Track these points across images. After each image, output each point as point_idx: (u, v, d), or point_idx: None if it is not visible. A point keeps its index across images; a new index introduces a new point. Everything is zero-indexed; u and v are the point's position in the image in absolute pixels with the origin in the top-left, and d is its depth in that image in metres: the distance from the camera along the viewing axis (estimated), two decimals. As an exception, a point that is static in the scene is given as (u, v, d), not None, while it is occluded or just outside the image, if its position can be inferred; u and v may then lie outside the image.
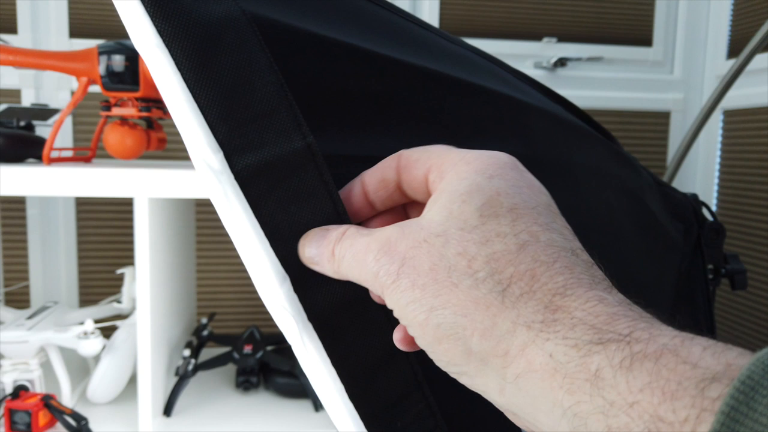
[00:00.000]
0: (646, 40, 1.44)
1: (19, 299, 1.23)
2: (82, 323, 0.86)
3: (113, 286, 1.27)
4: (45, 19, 1.24)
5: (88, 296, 1.28)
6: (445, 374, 0.23)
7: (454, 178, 0.23)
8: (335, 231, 0.25)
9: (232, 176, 0.25)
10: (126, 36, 1.19)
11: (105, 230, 1.28)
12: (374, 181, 0.27)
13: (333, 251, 0.24)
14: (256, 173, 0.25)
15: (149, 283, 0.80)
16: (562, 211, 0.24)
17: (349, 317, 0.26)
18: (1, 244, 1.16)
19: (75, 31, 1.25)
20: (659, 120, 1.46)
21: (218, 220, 1.31)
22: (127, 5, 0.23)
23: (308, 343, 0.26)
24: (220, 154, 0.24)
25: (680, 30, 1.44)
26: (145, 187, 0.78)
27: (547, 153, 0.37)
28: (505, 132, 0.35)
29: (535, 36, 1.41)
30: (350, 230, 0.25)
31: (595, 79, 1.43)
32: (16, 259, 1.24)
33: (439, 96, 0.33)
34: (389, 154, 0.27)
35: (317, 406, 0.91)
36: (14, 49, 0.76)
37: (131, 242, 1.27)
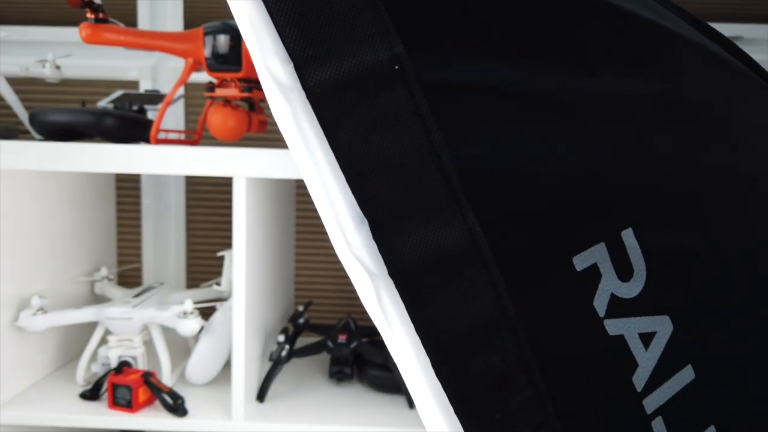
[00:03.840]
0: (795, 17, 1.27)
1: (131, 280, 1.29)
2: (182, 303, 0.87)
3: (219, 270, 1.29)
4: (162, 14, 1.29)
5: (195, 278, 1.31)
6: (563, 358, 0.17)
7: None
8: None
9: (303, 93, 0.20)
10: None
11: (212, 215, 1.31)
12: None
13: None
14: (332, 90, 0.20)
15: (245, 264, 0.80)
16: (715, 168, 0.17)
17: (441, 275, 0.21)
18: (116, 228, 1.21)
19: (189, 23, 1.29)
20: (810, 107, 1.27)
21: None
22: None
23: (387, 304, 0.21)
24: (290, 66, 0.20)
25: (839, 3, 1.25)
26: (244, 165, 0.77)
27: (699, 95, 0.30)
28: (646, 64, 0.28)
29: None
30: None
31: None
32: (130, 242, 1.30)
33: (570, 19, 0.27)
34: (505, 86, 0.21)
35: (411, 402, 0.86)
36: (125, 29, 0.77)
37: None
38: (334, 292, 1.31)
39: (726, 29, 1.27)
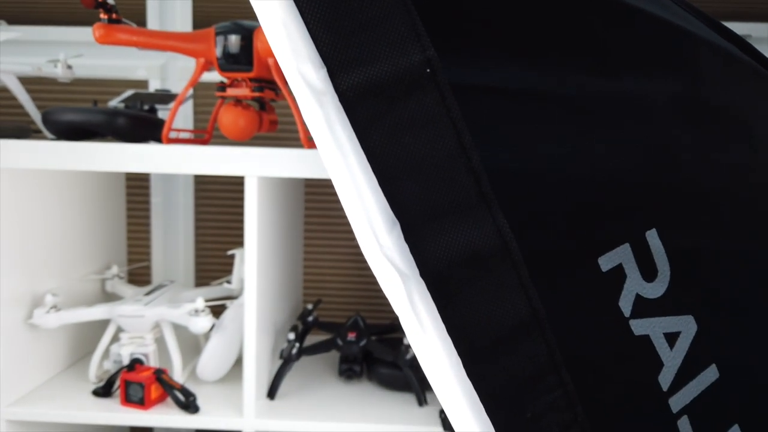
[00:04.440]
0: (803, 16, 1.27)
1: (140, 279, 1.29)
2: (194, 301, 0.87)
3: (228, 268, 1.30)
4: (171, 14, 1.30)
5: (204, 276, 1.32)
6: (590, 358, 0.17)
7: None
8: None
9: (336, 97, 0.21)
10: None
11: (221, 214, 1.32)
12: None
13: None
14: (365, 94, 0.21)
15: (256, 262, 0.80)
16: (734, 170, 0.18)
17: (471, 276, 0.21)
18: (126, 225, 1.22)
19: (198, 23, 1.30)
20: (819, 106, 1.27)
21: (326, 203, 1.31)
22: None
23: (419, 304, 0.21)
24: (323, 71, 0.20)
25: None
26: (255, 165, 0.77)
27: (718, 97, 0.30)
28: (666, 65, 0.29)
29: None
30: None
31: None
32: (140, 240, 1.30)
33: (591, 21, 0.27)
34: (527, 87, 0.22)
35: (421, 400, 0.86)
36: (137, 29, 0.78)
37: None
38: (342, 290, 1.32)
39: (734, 28, 1.27)
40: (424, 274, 0.21)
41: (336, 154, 0.21)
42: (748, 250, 0.28)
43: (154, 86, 1.30)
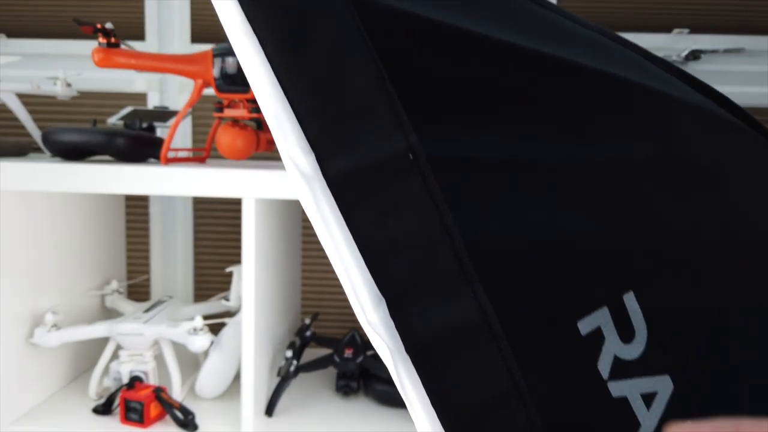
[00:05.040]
0: (796, 29, 1.28)
1: (139, 292, 1.31)
2: (192, 319, 0.88)
3: (226, 283, 1.31)
4: (169, 26, 1.31)
5: (203, 291, 1.33)
6: (570, 423, 0.18)
7: None
8: None
9: (324, 182, 0.22)
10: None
11: (220, 228, 1.33)
12: None
13: None
14: (351, 179, 0.22)
15: (254, 282, 0.81)
16: (712, 227, 0.18)
17: (453, 350, 0.22)
18: (126, 240, 1.23)
19: (196, 37, 1.31)
20: (813, 119, 1.28)
21: None
22: None
23: (404, 377, 0.22)
24: (312, 157, 0.21)
25: (842, 15, 1.26)
26: (252, 187, 0.78)
27: (692, 155, 0.31)
28: (638, 129, 0.30)
29: (664, 27, 1.29)
30: None
31: (733, 74, 1.28)
32: (139, 254, 1.31)
33: (563, 87, 0.28)
34: (506, 157, 0.23)
35: (418, 417, 0.87)
36: (135, 53, 0.79)
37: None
38: (340, 303, 1.33)
39: (728, 41, 1.28)
40: (408, 350, 0.22)
41: (324, 233, 0.22)
42: (726, 307, 0.29)
43: (152, 99, 1.31)
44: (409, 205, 0.22)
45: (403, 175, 0.22)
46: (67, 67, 1.30)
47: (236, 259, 1.30)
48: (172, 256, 1.31)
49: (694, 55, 1.26)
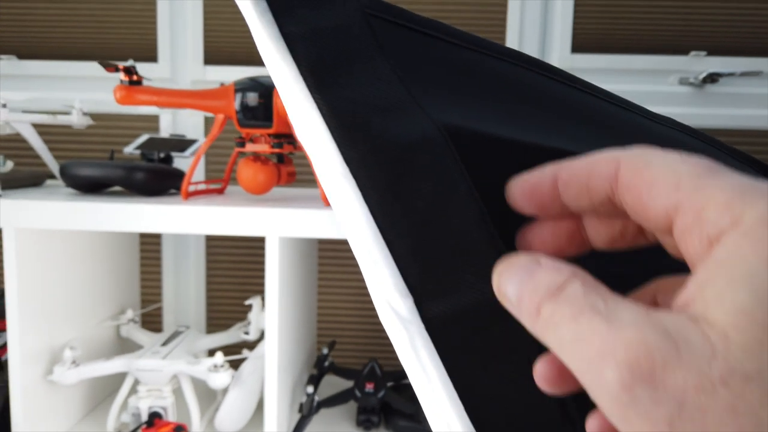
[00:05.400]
0: (815, 52, 1.27)
1: (152, 321, 1.30)
2: (212, 354, 0.87)
3: (239, 311, 1.30)
4: (183, 48, 1.30)
5: (215, 321, 1.32)
6: None
7: (737, 255, 0.14)
8: (549, 275, 0.17)
9: (422, 326, 0.20)
10: (258, 62, 1.21)
11: (233, 257, 1.32)
12: (575, 183, 0.19)
13: (539, 308, 0.17)
14: (450, 322, 0.20)
15: (278, 319, 0.80)
16: None
17: None
18: (140, 270, 1.21)
19: (209, 59, 1.30)
20: (831, 142, 1.28)
21: (339, 252, 1.30)
22: (313, 133, 0.20)
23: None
24: (410, 300, 0.20)
25: None
26: (276, 226, 0.77)
27: None
28: None
29: (681, 49, 1.28)
30: (574, 285, 0.17)
31: (751, 96, 1.27)
32: (152, 283, 1.31)
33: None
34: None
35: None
36: (157, 89, 0.78)
37: (257, 270, 1.30)
38: (355, 330, 1.32)
39: (745, 63, 1.27)
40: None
41: (421, 375, 0.21)
42: None
43: (164, 121, 1.30)
44: (512, 348, 0.21)
45: (504, 316, 0.21)
46: (78, 89, 1.29)
47: (248, 286, 1.29)
48: (185, 286, 1.30)
49: (712, 78, 1.25)
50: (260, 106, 0.81)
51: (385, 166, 0.20)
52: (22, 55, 1.32)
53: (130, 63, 0.76)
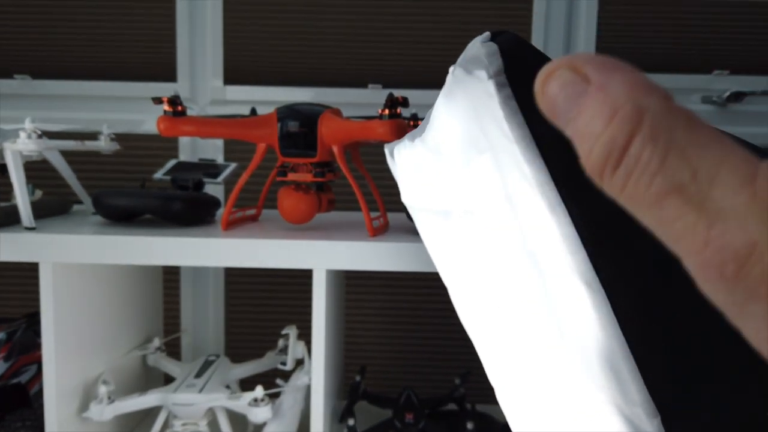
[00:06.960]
0: (839, 71, 1.28)
1: (171, 349, 1.27)
2: (242, 383, 0.85)
3: (258, 336, 1.28)
4: (202, 67, 1.27)
5: (235, 349, 1.30)
6: None
7: None
8: (624, 74, 0.14)
9: None
10: (279, 82, 1.19)
11: (253, 286, 1.29)
12: None
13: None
14: None
15: (324, 351, 0.78)
16: None
17: None
18: (163, 299, 1.18)
19: (229, 78, 1.27)
20: None
21: (362, 280, 1.28)
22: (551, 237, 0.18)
23: None
24: (657, 420, 0.19)
25: None
26: (323, 258, 0.75)
27: None
28: None
29: (704, 68, 1.28)
30: (665, 102, 0.13)
31: (774, 115, 1.28)
32: (171, 313, 1.28)
33: None
34: None
35: (487, 488, 0.85)
36: (201, 119, 0.76)
37: (277, 294, 1.27)
38: (380, 355, 1.30)
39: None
40: None
41: None
42: None
43: (183, 139, 1.28)
44: None
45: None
46: (91, 109, 1.26)
47: (268, 315, 1.27)
48: (203, 310, 1.28)
49: (736, 97, 1.25)
50: (304, 135, 0.79)
51: (640, 287, 0.18)
52: (36, 74, 1.29)
53: (174, 93, 0.74)
